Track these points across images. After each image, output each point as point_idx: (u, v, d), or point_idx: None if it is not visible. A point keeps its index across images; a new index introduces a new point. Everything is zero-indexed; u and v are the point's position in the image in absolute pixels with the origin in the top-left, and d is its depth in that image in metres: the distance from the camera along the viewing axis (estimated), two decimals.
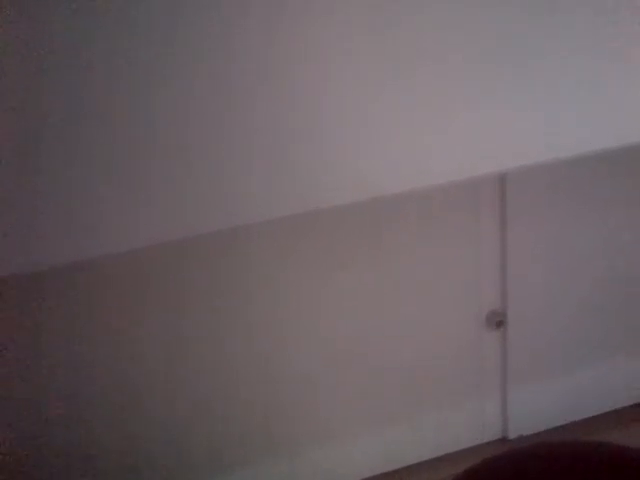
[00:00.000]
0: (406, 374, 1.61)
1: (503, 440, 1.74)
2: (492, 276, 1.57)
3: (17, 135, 0.85)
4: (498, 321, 1.60)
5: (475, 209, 1.51)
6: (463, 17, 0.97)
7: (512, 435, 1.73)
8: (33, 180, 0.87)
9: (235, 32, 0.88)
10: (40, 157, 0.87)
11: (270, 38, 0.90)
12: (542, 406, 1.73)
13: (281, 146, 0.96)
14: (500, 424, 1.73)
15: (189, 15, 0.86)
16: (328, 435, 1.63)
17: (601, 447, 0.93)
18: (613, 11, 1.04)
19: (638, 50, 1.06)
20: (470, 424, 1.71)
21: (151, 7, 0.83)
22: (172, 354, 1.45)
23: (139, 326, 1.40)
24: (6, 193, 0.86)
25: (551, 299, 1.63)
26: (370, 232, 1.46)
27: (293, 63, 0.92)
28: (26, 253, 0.90)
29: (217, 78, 0.90)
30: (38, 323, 1.34)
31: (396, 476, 1.68)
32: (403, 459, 1.69)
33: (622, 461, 0.89)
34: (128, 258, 1.32)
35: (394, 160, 1.02)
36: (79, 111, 0.86)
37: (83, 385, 1.42)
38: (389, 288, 1.52)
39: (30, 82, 0.83)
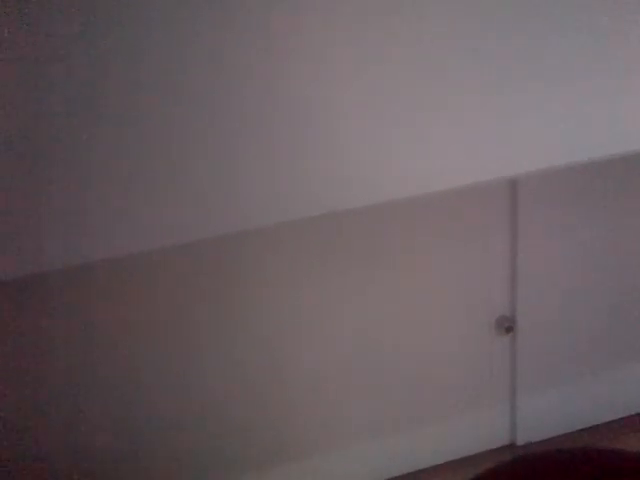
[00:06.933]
0: (414, 379, 1.60)
1: (511, 446, 1.73)
2: (502, 281, 1.57)
3: (16, 134, 0.85)
4: (508, 326, 1.60)
5: (486, 214, 1.50)
6: (470, 19, 0.97)
7: (520, 441, 1.72)
8: (33, 183, 0.87)
9: (236, 33, 0.88)
10: (41, 159, 0.87)
11: (274, 43, 0.90)
12: (551, 412, 1.72)
13: (285, 149, 0.95)
14: (508, 430, 1.72)
15: (191, 24, 0.86)
16: (335, 440, 1.62)
17: (611, 454, 0.92)
18: (625, 16, 1.03)
19: None
20: (478, 430, 1.70)
21: (151, 12, 0.84)
22: (177, 356, 1.45)
23: (144, 327, 1.41)
24: (5, 194, 0.86)
25: (561, 305, 1.62)
26: (378, 237, 1.46)
27: (298, 66, 0.92)
28: (26, 256, 0.90)
29: (220, 80, 0.90)
30: (39, 324, 1.34)
31: None
32: (411, 464, 1.69)
33: (632, 468, 0.88)
34: (135, 259, 1.32)
35: (403, 164, 1.01)
36: (81, 114, 0.86)
37: (85, 386, 1.42)
38: (398, 293, 1.51)
39: (31, 83, 0.83)
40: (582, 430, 1.74)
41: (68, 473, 1.48)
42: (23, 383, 1.38)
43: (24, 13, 0.80)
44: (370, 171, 1.00)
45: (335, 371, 1.55)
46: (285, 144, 0.95)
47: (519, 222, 1.50)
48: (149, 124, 0.89)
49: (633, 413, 1.76)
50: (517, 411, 1.70)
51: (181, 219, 0.95)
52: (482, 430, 1.71)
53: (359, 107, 0.97)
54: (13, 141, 0.85)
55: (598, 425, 1.75)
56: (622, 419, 1.76)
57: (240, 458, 1.58)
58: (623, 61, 1.05)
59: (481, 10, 0.96)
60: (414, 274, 1.51)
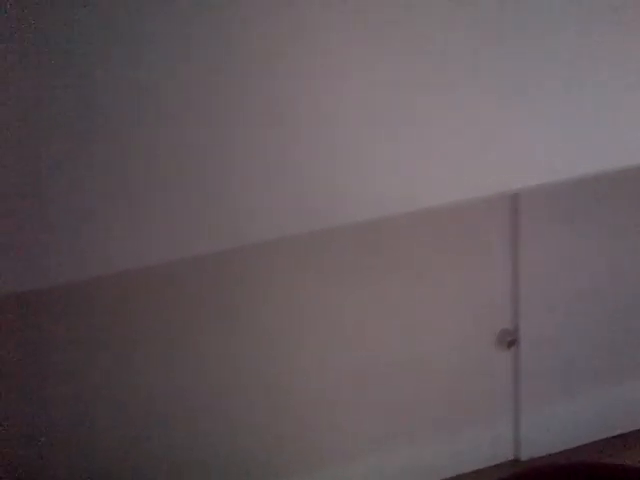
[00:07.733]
0: (416, 394, 1.60)
1: (515, 462, 1.72)
2: (504, 295, 1.56)
3: (21, 149, 0.85)
4: (510, 340, 1.59)
5: (487, 227, 1.50)
6: (470, 30, 0.97)
7: (524, 457, 1.71)
8: (36, 199, 0.88)
9: (235, 39, 0.89)
10: (44, 174, 0.87)
11: (272, 49, 0.90)
12: (555, 427, 1.71)
13: (285, 162, 0.96)
14: (512, 445, 1.71)
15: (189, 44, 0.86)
16: (335, 455, 1.61)
17: (615, 469, 0.92)
18: (627, 29, 1.04)
19: None
20: (482, 445, 1.69)
21: (153, 16, 0.84)
22: (177, 372, 1.44)
23: (145, 341, 1.41)
24: (9, 209, 0.87)
25: (564, 318, 1.61)
26: (380, 250, 1.46)
27: (298, 73, 0.92)
28: (28, 270, 0.90)
29: (217, 91, 0.90)
30: (41, 332, 1.34)
31: None
32: None
33: None
34: (134, 273, 1.33)
35: (406, 178, 1.02)
36: (82, 132, 0.87)
37: (86, 393, 1.42)
38: (400, 307, 1.51)
39: (35, 93, 0.84)
40: (586, 445, 1.73)
41: (68, 471, 1.47)
42: (24, 386, 1.38)
43: (24, 15, 0.80)
44: (370, 186, 1.01)
45: (334, 385, 1.54)
46: (285, 160, 0.95)
47: (521, 235, 1.50)
48: (145, 141, 0.89)
49: (637, 428, 1.75)
50: (521, 426, 1.69)
51: (181, 235, 0.95)
52: (486, 446, 1.69)
53: (356, 122, 0.97)
54: (14, 153, 0.85)
55: (602, 440, 1.73)
56: (626, 434, 1.74)
57: (242, 468, 1.57)
58: (625, 75, 1.06)
59: (481, 21, 0.97)
60: (416, 288, 1.50)
